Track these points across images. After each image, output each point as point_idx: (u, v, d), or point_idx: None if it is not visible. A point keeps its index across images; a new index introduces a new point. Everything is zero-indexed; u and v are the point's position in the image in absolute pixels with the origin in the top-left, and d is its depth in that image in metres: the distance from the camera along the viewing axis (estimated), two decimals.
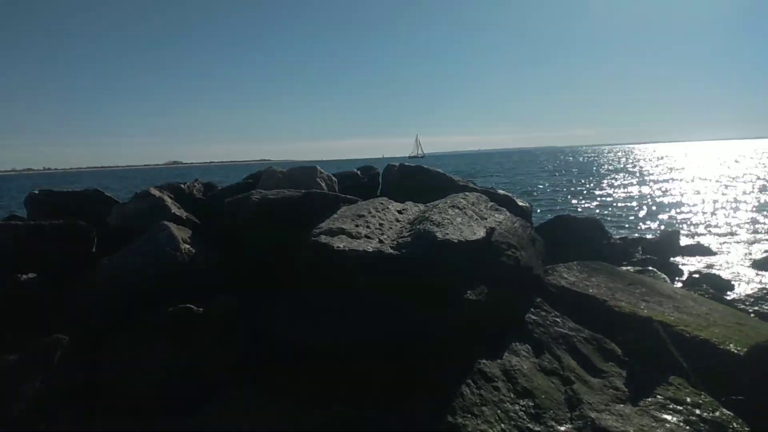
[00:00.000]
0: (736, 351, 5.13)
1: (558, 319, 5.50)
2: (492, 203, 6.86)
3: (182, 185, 8.11)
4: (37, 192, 8.80)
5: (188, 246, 6.07)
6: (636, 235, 14.29)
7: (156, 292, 5.67)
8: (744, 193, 24.97)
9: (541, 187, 33.81)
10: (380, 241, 5.24)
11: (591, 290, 6.28)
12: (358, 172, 9.14)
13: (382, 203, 6.11)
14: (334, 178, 8.00)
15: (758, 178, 33.76)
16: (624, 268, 9.64)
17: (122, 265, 5.98)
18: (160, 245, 5.99)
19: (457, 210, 5.84)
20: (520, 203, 8.19)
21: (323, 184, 7.52)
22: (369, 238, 5.26)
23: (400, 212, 6.11)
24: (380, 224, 5.59)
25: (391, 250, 4.99)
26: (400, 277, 4.97)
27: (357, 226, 5.40)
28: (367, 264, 4.92)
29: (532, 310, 5.54)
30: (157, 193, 6.98)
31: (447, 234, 5.15)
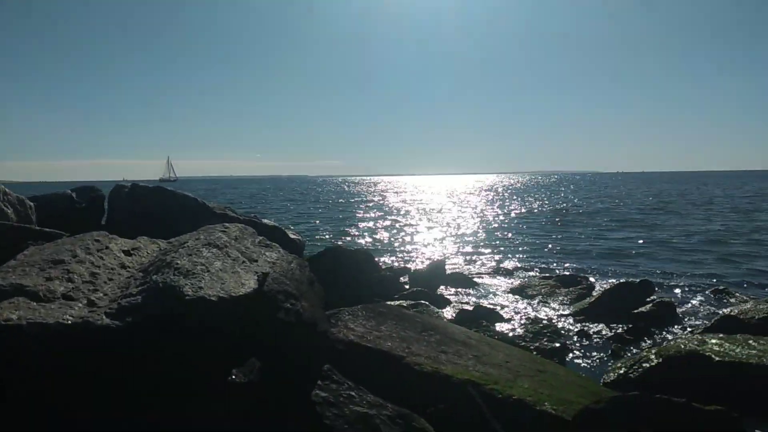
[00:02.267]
0: (553, 411, 4.38)
1: (353, 393, 4.13)
2: (260, 237, 5.28)
3: None
4: None
5: None
6: (397, 263, 14.02)
7: None
8: (476, 219, 27.47)
9: (293, 214, 33.11)
10: (90, 304, 3.28)
11: (385, 344, 5.11)
12: (73, 195, 6.73)
13: (97, 240, 4.09)
14: (29, 202, 5.58)
15: (479, 207, 38.06)
16: (398, 302, 8.91)
17: None
18: None
19: (215, 249, 4.13)
20: (292, 236, 6.79)
21: (9, 210, 5.09)
22: (70, 299, 3.27)
23: (127, 254, 4.17)
24: (92, 275, 3.60)
25: (107, 320, 3.08)
26: (124, 358, 3.11)
27: (49, 279, 3.34)
28: (64, 343, 2.95)
29: (319, 383, 4.10)
30: None
31: (201, 288, 3.42)
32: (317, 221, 27.26)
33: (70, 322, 2.98)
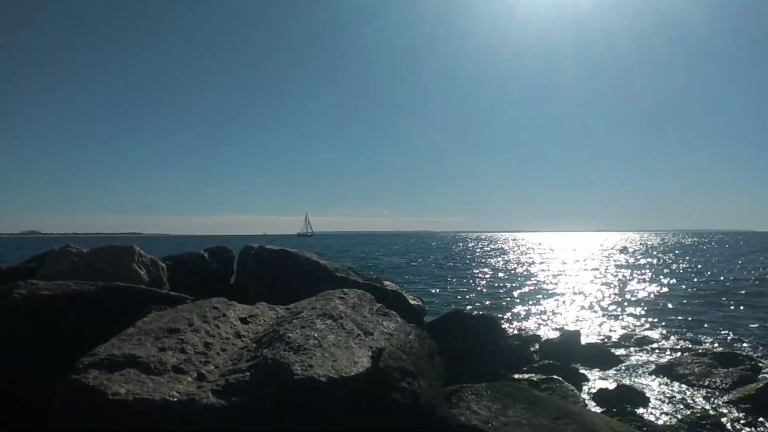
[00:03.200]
0: None
1: None
2: (379, 305, 5.02)
3: None
4: None
5: None
6: (526, 330, 13.10)
7: None
8: (611, 282, 25.44)
9: (421, 268, 32.81)
10: (200, 378, 3.15)
11: None
12: (206, 255, 6.98)
13: (215, 307, 4.04)
14: (161, 263, 5.81)
15: (613, 268, 35.33)
16: (526, 375, 8.17)
17: None
18: None
19: (329, 321, 3.91)
20: (412, 301, 6.45)
21: (142, 272, 5.30)
22: (181, 371, 3.16)
23: (244, 321, 4.07)
24: (206, 345, 3.50)
25: (213, 399, 2.91)
26: None
27: (162, 350, 3.28)
28: (170, 420, 2.81)
29: None
30: None
31: (311, 367, 3.18)
32: (437, 281, 26.80)
33: (175, 399, 2.85)
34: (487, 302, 18.82)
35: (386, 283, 7.42)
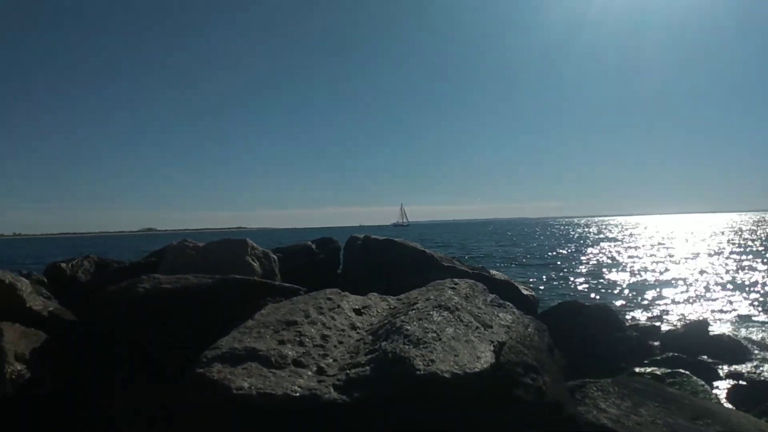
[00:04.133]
0: None
1: None
2: (493, 296, 4.77)
3: (62, 264, 5.87)
4: None
5: (20, 367, 3.82)
6: (643, 320, 12.26)
7: None
8: (739, 268, 23.38)
9: (523, 259, 31.86)
10: (319, 371, 3.08)
11: None
12: (313, 246, 7.03)
13: (330, 299, 3.98)
14: (273, 255, 5.88)
15: (740, 253, 32.43)
16: (648, 369, 7.60)
17: None
18: None
19: (446, 312, 3.73)
20: (525, 291, 6.13)
21: (255, 264, 5.38)
22: (301, 365, 3.11)
23: (358, 312, 3.98)
24: (323, 337, 3.44)
25: (335, 394, 2.82)
26: None
27: (281, 342, 3.24)
28: (293, 419, 2.75)
29: None
30: (7, 277, 4.74)
31: (432, 362, 3.01)
32: (538, 269, 25.82)
33: (298, 394, 2.79)
34: (596, 291, 17.90)
35: (493, 272, 7.13)
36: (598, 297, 16.43)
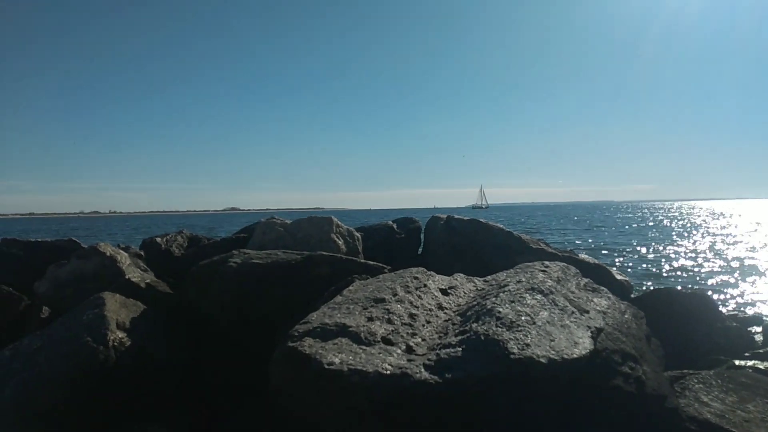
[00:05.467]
0: None
1: None
2: (587, 280, 4.55)
3: (158, 239, 6.14)
4: None
5: (122, 335, 4.01)
6: (743, 310, 11.44)
7: (61, 411, 3.63)
8: None
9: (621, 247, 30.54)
10: (408, 350, 3.03)
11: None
12: (394, 226, 7.00)
13: (416, 278, 3.91)
14: (356, 233, 5.88)
15: None
16: (750, 362, 7.06)
17: (21, 361, 3.96)
18: (79, 332, 3.96)
19: (539, 296, 3.57)
20: (618, 276, 5.82)
21: (340, 242, 5.40)
22: (390, 342, 3.06)
23: (444, 293, 3.89)
24: (411, 316, 3.38)
25: (426, 374, 2.76)
26: (441, 415, 2.76)
27: (370, 319, 3.21)
28: (381, 397, 2.71)
29: None
30: (108, 249, 5.00)
31: (527, 346, 2.88)
32: (628, 255, 24.65)
33: (388, 372, 2.74)
34: (690, 279, 16.91)
35: (582, 255, 6.83)
36: (692, 285, 15.51)
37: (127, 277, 4.91)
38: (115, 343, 3.90)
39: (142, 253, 6.17)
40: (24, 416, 3.63)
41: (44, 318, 5.23)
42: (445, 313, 3.60)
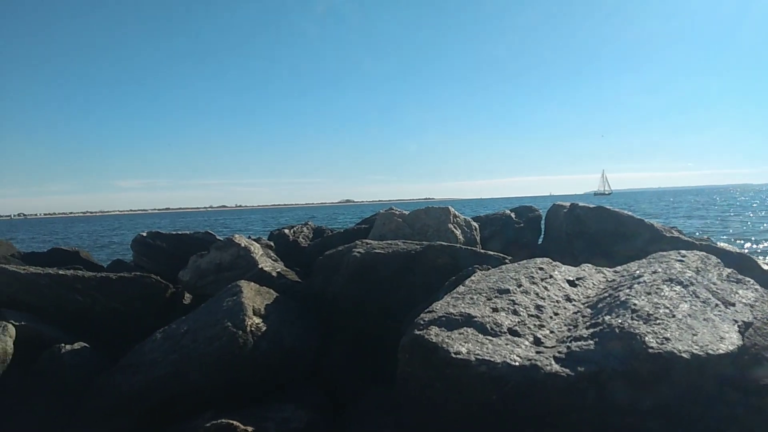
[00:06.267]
0: None
1: None
2: (730, 270, 4.19)
3: (285, 230, 6.47)
4: (144, 234, 7.79)
5: (258, 320, 4.28)
6: None
7: (206, 389, 3.97)
8: None
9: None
10: (536, 342, 2.96)
11: None
12: (512, 215, 6.85)
13: (541, 268, 3.81)
14: (474, 223, 5.83)
15: None
16: None
17: (171, 343, 4.35)
18: (220, 318, 4.29)
19: (678, 287, 3.34)
20: (766, 267, 5.29)
21: (458, 232, 5.38)
22: (516, 334, 3.01)
23: (572, 284, 3.76)
24: (537, 307, 3.30)
25: (556, 366, 2.69)
26: (571, 410, 2.68)
27: (495, 310, 3.18)
28: (510, 389, 2.68)
29: None
30: (243, 241, 5.35)
31: (667, 340, 2.71)
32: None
33: (517, 363, 2.70)
34: None
35: (722, 244, 6.30)
36: None
37: (260, 266, 5.22)
38: (252, 328, 4.17)
39: (272, 243, 6.54)
40: (174, 393, 4.00)
41: (187, 304, 5.71)
42: (574, 305, 3.48)
